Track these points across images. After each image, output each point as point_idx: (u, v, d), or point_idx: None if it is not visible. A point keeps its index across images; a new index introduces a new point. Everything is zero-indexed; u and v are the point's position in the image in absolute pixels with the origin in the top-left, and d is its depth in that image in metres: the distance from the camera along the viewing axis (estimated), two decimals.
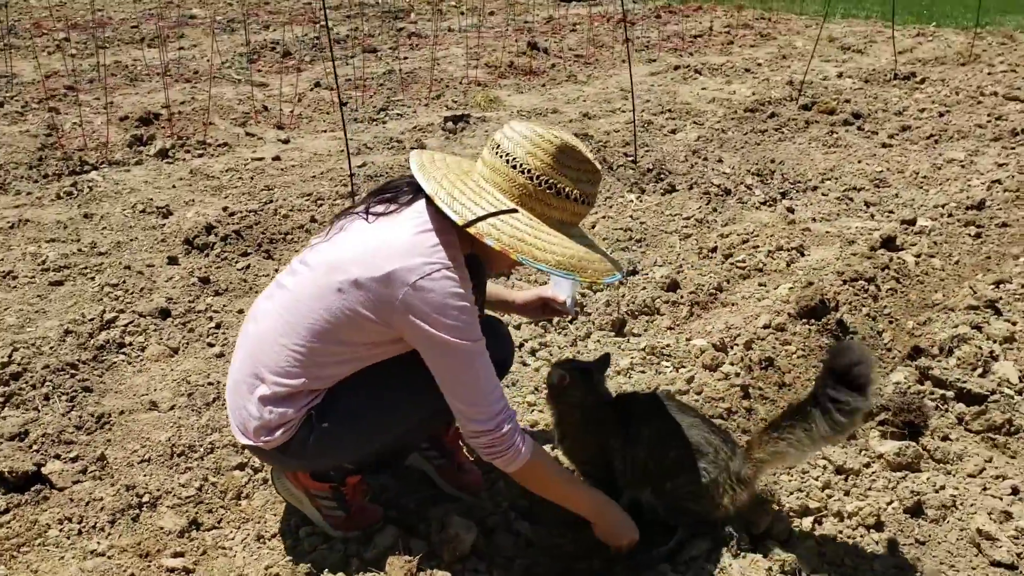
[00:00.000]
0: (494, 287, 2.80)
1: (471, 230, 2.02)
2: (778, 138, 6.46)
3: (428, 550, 2.36)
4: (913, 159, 5.93)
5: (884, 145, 6.30)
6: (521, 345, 3.46)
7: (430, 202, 2.12)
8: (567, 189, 2.09)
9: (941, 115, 6.94)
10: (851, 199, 5.17)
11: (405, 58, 8.91)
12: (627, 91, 7.63)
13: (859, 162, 5.87)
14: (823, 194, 5.29)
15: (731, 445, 2.42)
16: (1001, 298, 3.70)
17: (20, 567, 2.33)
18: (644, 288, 3.92)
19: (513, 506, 2.58)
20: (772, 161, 5.85)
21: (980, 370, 3.19)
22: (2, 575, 2.29)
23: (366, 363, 2.21)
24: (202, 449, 2.83)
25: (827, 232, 4.58)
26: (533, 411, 3.08)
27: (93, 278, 3.92)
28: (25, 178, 5.16)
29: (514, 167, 2.08)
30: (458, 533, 2.37)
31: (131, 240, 4.37)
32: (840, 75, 8.56)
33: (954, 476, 2.72)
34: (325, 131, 6.48)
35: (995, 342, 3.36)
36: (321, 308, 2.12)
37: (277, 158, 5.72)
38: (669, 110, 7.20)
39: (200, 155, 5.76)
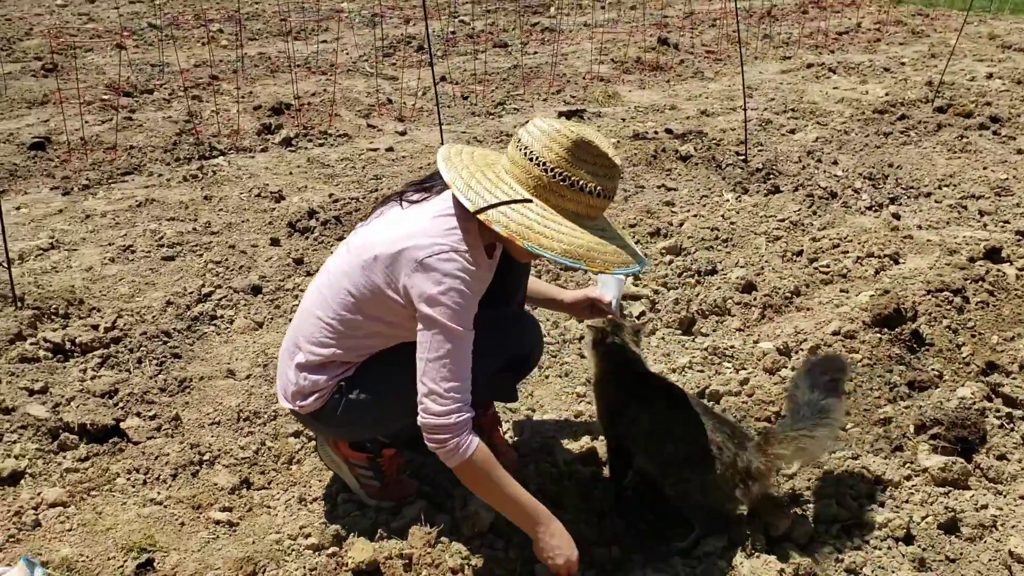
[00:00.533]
0: (543, 285, 2.88)
1: (481, 217, 2.12)
2: (902, 141, 6.20)
3: (451, 524, 2.49)
4: None
5: (1019, 151, 5.94)
6: (582, 337, 3.53)
7: None
8: (581, 182, 2.15)
9: None
10: (965, 207, 4.92)
11: (535, 53, 9.04)
12: (752, 88, 7.51)
13: (984, 168, 5.57)
14: (936, 201, 5.05)
15: (739, 440, 2.43)
16: None
17: (87, 508, 2.61)
18: (719, 288, 3.90)
19: (540, 490, 2.65)
20: (889, 165, 5.63)
21: None
22: (70, 513, 2.56)
23: (391, 341, 2.37)
24: (265, 416, 3.05)
25: (929, 240, 4.39)
26: (581, 402, 3.15)
27: (201, 255, 4.25)
28: (159, 161, 5.60)
29: (530, 159, 2.16)
30: (477, 511, 2.49)
31: (242, 222, 4.69)
32: (990, 76, 8.09)
33: (1003, 496, 2.61)
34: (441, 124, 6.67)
35: None
36: (348, 284, 2.30)
37: (390, 149, 5.96)
38: (792, 109, 7.02)
39: (320, 144, 6.07)
